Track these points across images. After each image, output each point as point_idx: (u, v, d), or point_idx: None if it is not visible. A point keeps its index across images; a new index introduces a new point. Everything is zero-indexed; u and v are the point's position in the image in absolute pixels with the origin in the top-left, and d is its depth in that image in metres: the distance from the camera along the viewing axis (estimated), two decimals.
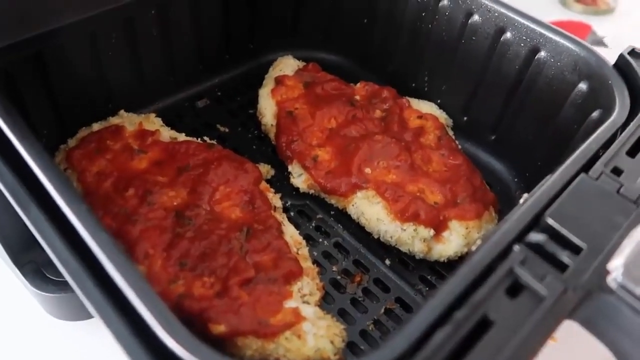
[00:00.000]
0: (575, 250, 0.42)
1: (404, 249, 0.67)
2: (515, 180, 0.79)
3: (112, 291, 0.40)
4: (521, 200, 0.49)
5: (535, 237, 0.42)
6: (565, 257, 0.41)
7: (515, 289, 0.39)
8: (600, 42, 1.16)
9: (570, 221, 0.43)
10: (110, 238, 0.42)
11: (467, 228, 0.66)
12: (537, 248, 0.42)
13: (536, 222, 0.44)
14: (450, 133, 0.79)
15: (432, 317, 0.38)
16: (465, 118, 0.82)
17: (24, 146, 0.47)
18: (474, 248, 0.46)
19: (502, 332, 0.36)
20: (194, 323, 0.52)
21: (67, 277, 0.41)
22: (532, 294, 0.38)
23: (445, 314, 0.38)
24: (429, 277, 0.68)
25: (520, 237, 0.43)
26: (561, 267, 0.40)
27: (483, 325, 0.37)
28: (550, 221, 0.43)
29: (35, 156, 0.46)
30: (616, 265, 0.40)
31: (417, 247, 0.66)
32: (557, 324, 0.37)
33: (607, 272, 0.40)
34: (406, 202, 0.66)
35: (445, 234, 0.66)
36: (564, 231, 0.43)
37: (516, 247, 0.41)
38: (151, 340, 0.38)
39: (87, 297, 0.40)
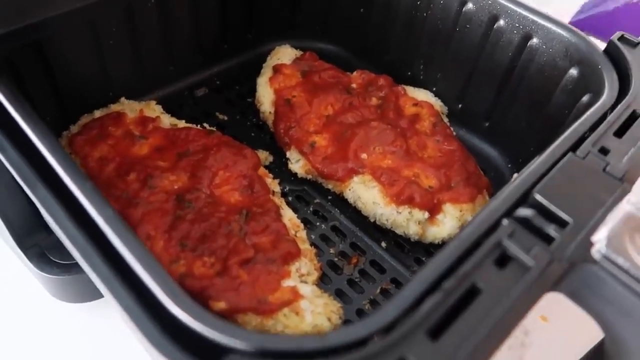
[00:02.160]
0: (561, 224, 0.43)
1: (399, 231, 0.69)
2: (509, 166, 0.80)
3: (119, 267, 0.41)
4: (512, 179, 0.50)
5: (524, 212, 0.44)
6: (551, 230, 0.42)
7: (504, 260, 0.40)
8: None
9: (558, 197, 0.45)
10: (117, 214, 0.43)
11: (460, 211, 0.68)
12: (525, 222, 0.43)
13: (525, 198, 0.46)
14: (445, 120, 0.80)
15: (423, 287, 0.39)
16: (460, 105, 0.83)
17: (30, 126, 0.48)
18: None
19: (489, 299, 0.38)
20: (195, 301, 0.54)
21: (76, 255, 0.42)
22: (519, 265, 0.40)
23: (435, 284, 0.39)
24: (423, 258, 0.69)
25: (509, 213, 0.45)
26: (548, 239, 0.42)
27: (471, 294, 0.38)
28: (538, 197, 0.45)
29: (41, 136, 0.48)
30: (600, 237, 0.41)
31: (412, 230, 0.68)
32: (542, 292, 0.39)
33: (591, 244, 0.42)
34: (401, 186, 0.68)
35: (440, 216, 0.68)
36: (552, 206, 0.44)
37: (505, 221, 0.43)
38: (160, 313, 0.39)
39: (96, 273, 0.41)
